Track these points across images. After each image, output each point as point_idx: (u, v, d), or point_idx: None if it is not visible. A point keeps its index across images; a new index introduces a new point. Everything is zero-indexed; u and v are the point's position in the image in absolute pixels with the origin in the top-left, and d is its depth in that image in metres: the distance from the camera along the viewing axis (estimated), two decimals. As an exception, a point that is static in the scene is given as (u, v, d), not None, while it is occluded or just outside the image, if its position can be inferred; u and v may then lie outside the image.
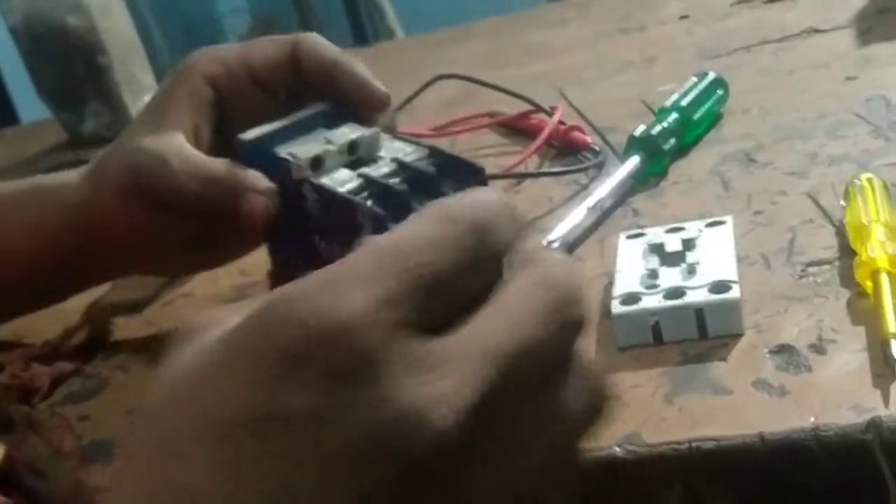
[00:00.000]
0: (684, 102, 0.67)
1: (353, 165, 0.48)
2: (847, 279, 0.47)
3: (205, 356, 0.25)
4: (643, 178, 0.63)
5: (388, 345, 0.23)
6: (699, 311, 0.45)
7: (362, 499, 0.23)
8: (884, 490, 0.38)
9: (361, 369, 0.23)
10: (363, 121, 0.51)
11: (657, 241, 0.51)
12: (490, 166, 0.48)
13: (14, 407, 0.54)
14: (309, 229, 0.49)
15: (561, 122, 0.72)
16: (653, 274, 0.48)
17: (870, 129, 0.61)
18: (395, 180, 0.46)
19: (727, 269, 0.47)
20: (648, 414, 0.42)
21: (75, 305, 0.63)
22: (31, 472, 0.46)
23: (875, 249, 0.45)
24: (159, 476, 0.24)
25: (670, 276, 0.48)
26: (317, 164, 0.47)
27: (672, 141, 0.64)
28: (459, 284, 0.25)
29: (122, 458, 0.26)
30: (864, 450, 0.38)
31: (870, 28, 0.78)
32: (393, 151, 0.48)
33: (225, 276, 0.63)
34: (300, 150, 0.48)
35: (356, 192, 0.46)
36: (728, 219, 0.52)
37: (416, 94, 0.84)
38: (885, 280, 0.44)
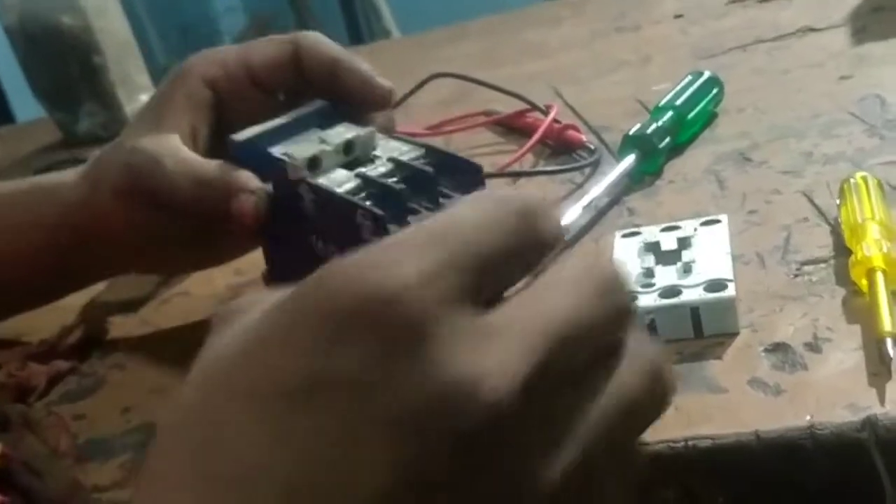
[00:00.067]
0: (679, 101, 0.67)
1: (349, 165, 0.48)
2: (842, 278, 0.47)
3: (250, 332, 0.25)
4: (638, 176, 0.63)
5: (439, 316, 0.23)
6: (695, 310, 0.45)
7: (409, 467, 0.23)
8: (879, 488, 0.38)
9: (412, 339, 0.23)
10: (358, 120, 0.51)
11: (652, 239, 0.51)
12: (485, 165, 0.47)
13: (10, 406, 0.54)
14: (306, 230, 0.48)
15: (556, 121, 0.72)
16: (648, 273, 0.48)
17: (864, 127, 0.62)
18: (392, 180, 0.46)
19: (722, 267, 0.47)
20: (644, 412, 0.42)
21: (72, 304, 0.63)
22: (28, 470, 0.46)
23: (870, 248, 0.45)
24: (212, 453, 0.24)
25: (666, 275, 0.48)
26: (314, 164, 0.47)
27: (667, 140, 0.64)
28: (507, 265, 0.26)
29: (158, 449, 0.25)
30: (860, 448, 0.38)
31: (864, 27, 0.79)
32: (389, 151, 0.48)
33: (220, 276, 0.63)
34: (296, 150, 0.48)
35: (354, 192, 0.46)
36: (723, 217, 0.52)
37: (412, 92, 0.84)
38: (880, 278, 0.44)
